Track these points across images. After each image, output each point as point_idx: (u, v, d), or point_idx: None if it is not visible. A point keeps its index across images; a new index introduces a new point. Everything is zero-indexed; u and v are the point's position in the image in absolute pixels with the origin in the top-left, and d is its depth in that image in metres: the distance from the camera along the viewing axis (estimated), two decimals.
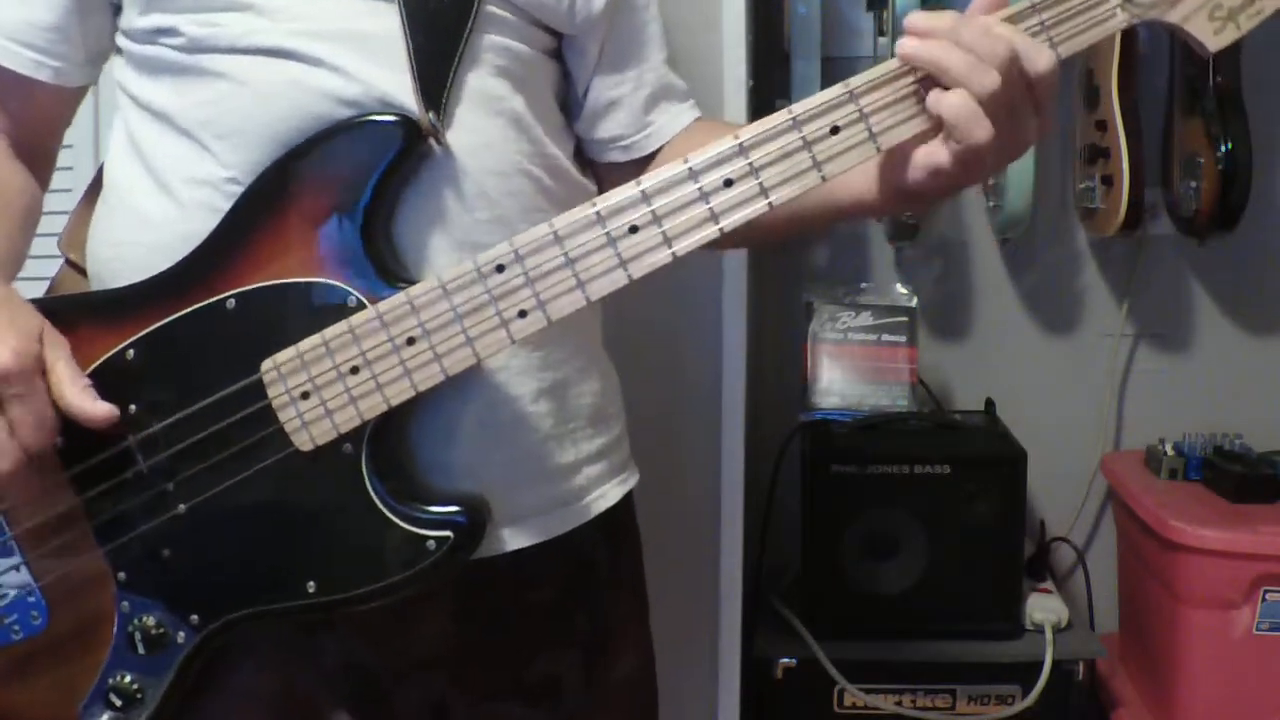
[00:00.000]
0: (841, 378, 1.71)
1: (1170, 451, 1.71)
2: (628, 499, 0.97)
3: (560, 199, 0.87)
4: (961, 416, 1.77)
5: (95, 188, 0.90)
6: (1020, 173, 1.68)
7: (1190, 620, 1.52)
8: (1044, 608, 1.55)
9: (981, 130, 0.70)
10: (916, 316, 1.74)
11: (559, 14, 0.87)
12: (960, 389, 1.94)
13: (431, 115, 0.78)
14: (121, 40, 0.85)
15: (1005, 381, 1.88)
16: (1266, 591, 1.47)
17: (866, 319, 1.72)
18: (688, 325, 1.41)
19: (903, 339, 1.72)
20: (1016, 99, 0.72)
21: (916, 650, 1.52)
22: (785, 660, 1.52)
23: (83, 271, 0.89)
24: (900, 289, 1.78)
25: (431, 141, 0.79)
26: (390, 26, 0.79)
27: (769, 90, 1.77)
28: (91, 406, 0.77)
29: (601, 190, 0.97)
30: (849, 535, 1.54)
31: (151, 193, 0.82)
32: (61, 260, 0.93)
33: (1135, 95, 1.71)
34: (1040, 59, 0.71)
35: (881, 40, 1.76)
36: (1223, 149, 1.66)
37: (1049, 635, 1.51)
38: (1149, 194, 1.72)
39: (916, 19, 0.72)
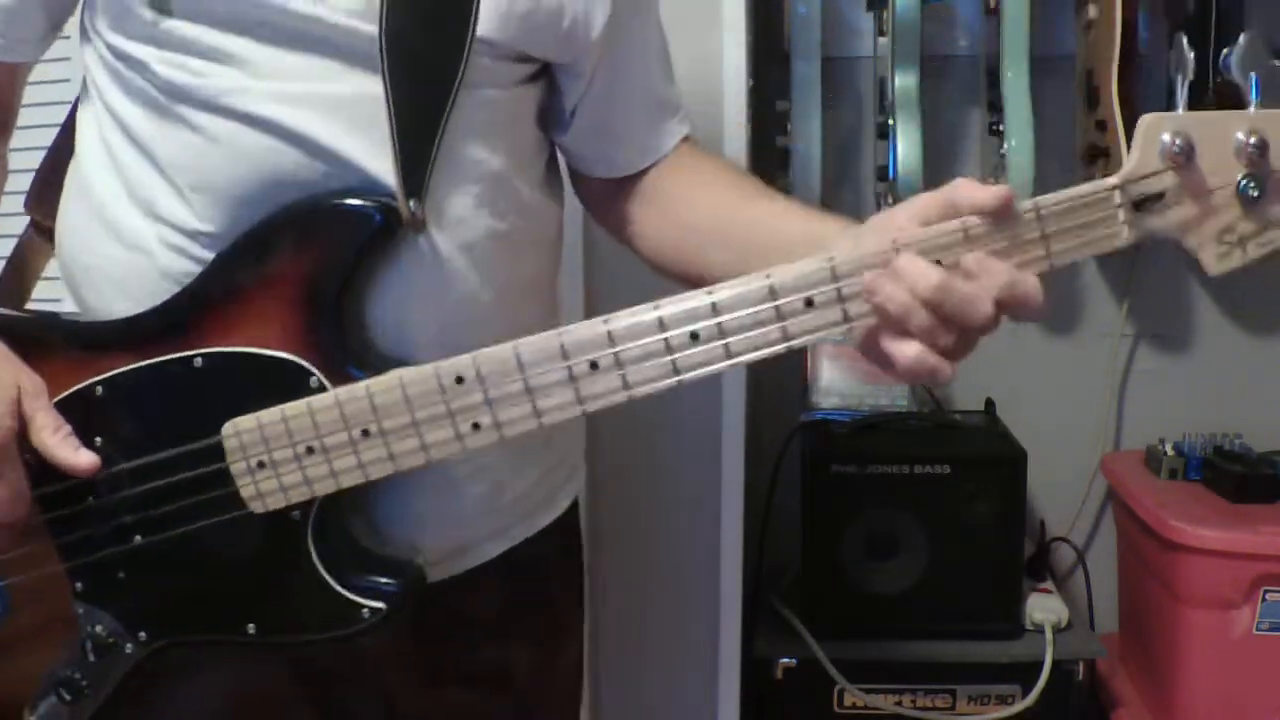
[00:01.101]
0: (841, 378, 1.71)
1: (1170, 451, 1.71)
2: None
3: (529, 239, 0.87)
4: (961, 416, 1.77)
5: (59, 150, 0.89)
6: (1020, 173, 1.68)
7: (1190, 620, 1.52)
8: (1044, 608, 1.55)
9: (944, 375, 0.69)
10: None
11: (551, 46, 0.85)
12: (960, 389, 1.94)
13: (413, 203, 0.77)
14: (94, 38, 0.83)
15: (1005, 381, 1.87)
16: (1266, 591, 1.47)
17: None
18: None
19: None
20: (985, 330, 0.69)
21: (916, 650, 1.52)
22: (785, 660, 1.52)
23: (48, 234, 0.89)
24: None
25: (410, 229, 0.78)
26: (373, 91, 0.76)
27: (769, 90, 1.77)
28: (74, 457, 0.78)
29: (581, 196, 0.98)
30: (849, 535, 1.54)
31: (130, 214, 0.81)
32: (27, 222, 0.93)
33: (1135, 95, 1.71)
34: (1032, 303, 0.69)
35: (881, 40, 1.76)
36: None
37: (1049, 635, 1.51)
38: None
39: (906, 267, 0.68)
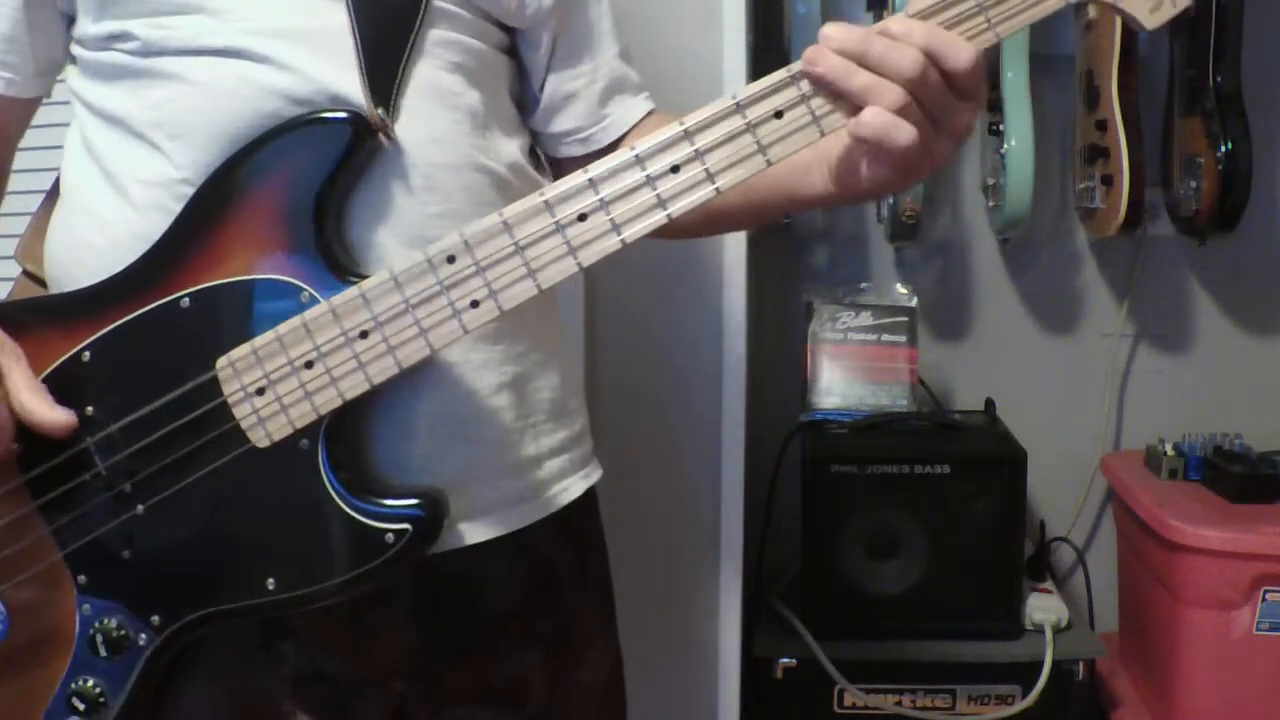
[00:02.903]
0: (841, 378, 1.71)
1: (1170, 451, 1.71)
2: (590, 498, 0.97)
3: (515, 193, 0.87)
4: (961, 416, 1.77)
5: (51, 197, 0.90)
6: (1020, 173, 1.68)
7: (1190, 620, 1.52)
8: (1044, 608, 1.55)
9: (903, 136, 0.71)
10: (916, 316, 1.74)
11: (508, 8, 0.88)
12: (960, 389, 1.94)
13: (380, 110, 0.79)
14: (75, 49, 0.85)
15: (1005, 381, 1.88)
16: (1266, 591, 1.47)
17: (866, 319, 1.72)
18: (688, 325, 1.41)
19: (903, 339, 1.72)
20: (935, 98, 0.72)
21: (916, 650, 1.52)
22: (785, 660, 1.52)
23: (40, 282, 0.88)
24: (900, 289, 1.78)
25: (381, 137, 0.79)
26: (339, 23, 0.80)
27: None
28: (49, 413, 0.77)
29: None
30: (849, 535, 1.54)
31: (106, 194, 0.82)
32: (20, 271, 0.92)
33: (1135, 95, 1.71)
34: (959, 56, 0.71)
35: None
36: (1223, 149, 1.66)
37: (1049, 635, 1.51)
38: (1149, 194, 1.73)
39: (830, 31, 0.72)
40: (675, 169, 0.73)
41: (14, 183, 0.93)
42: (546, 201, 0.74)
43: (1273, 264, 1.90)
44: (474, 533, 0.85)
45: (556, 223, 0.73)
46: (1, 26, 0.84)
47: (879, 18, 1.75)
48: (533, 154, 0.96)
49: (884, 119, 0.71)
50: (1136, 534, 1.69)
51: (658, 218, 0.73)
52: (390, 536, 0.77)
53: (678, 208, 0.73)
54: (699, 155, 0.73)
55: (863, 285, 1.82)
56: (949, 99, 0.73)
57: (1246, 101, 1.68)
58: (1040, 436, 1.67)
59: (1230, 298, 1.92)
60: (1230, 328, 1.93)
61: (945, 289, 1.96)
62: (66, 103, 0.88)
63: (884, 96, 0.71)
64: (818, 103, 0.73)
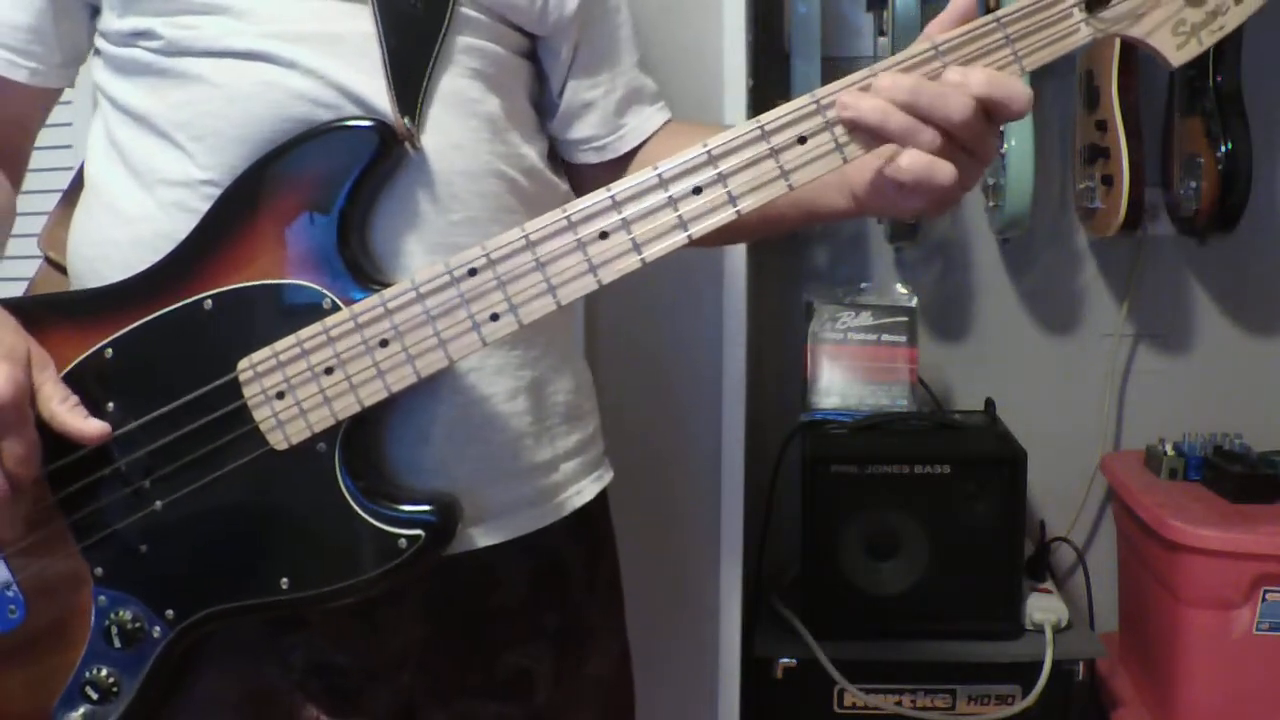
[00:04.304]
0: (841, 378, 1.71)
1: (1170, 451, 1.71)
2: (602, 498, 0.98)
3: (532, 199, 0.88)
4: (961, 416, 1.77)
5: (74, 188, 0.90)
6: (1020, 172, 1.68)
7: (1190, 620, 1.52)
8: (1044, 608, 1.55)
9: (943, 175, 0.72)
10: (916, 316, 1.74)
11: (530, 16, 0.88)
12: (960, 389, 1.94)
13: (407, 120, 0.79)
14: (100, 42, 0.86)
15: (1005, 381, 1.88)
16: (1266, 591, 1.47)
17: (866, 319, 1.72)
18: (688, 325, 1.41)
19: (903, 339, 1.72)
20: (978, 136, 0.73)
21: (916, 650, 1.52)
22: (785, 660, 1.52)
23: (62, 270, 0.89)
24: (900, 289, 1.78)
25: (407, 145, 0.79)
26: (365, 29, 0.80)
27: (769, 90, 1.77)
28: (83, 425, 0.78)
29: (574, 189, 0.99)
30: (849, 535, 1.54)
31: (130, 191, 0.82)
32: (41, 260, 0.93)
33: (1135, 95, 1.71)
34: (1021, 99, 0.72)
35: (882, 40, 1.76)
36: (1223, 149, 1.66)
37: (1049, 635, 1.51)
38: (1149, 194, 1.73)
39: (881, 82, 0.72)
40: (698, 190, 0.74)
41: (26, 182, 0.93)
42: (569, 218, 0.74)
43: (1273, 264, 1.90)
44: (487, 536, 0.86)
45: (578, 240, 0.74)
46: (26, 16, 0.84)
47: (879, 18, 1.75)
48: (551, 157, 0.96)
49: (923, 161, 0.71)
50: (1136, 534, 1.69)
51: (679, 238, 0.74)
52: (403, 542, 0.77)
53: (699, 229, 0.74)
54: (722, 178, 0.74)
55: (863, 285, 1.82)
56: (988, 133, 0.73)
57: (1246, 101, 1.68)
58: (1040, 436, 1.67)
59: (1230, 298, 1.92)
60: (1230, 328, 1.93)
61: (945, 289, 1.96)
62: (69, 103, 0.88)
63: (919, 139, 0.71)
64: (841, 130, 0.73)
